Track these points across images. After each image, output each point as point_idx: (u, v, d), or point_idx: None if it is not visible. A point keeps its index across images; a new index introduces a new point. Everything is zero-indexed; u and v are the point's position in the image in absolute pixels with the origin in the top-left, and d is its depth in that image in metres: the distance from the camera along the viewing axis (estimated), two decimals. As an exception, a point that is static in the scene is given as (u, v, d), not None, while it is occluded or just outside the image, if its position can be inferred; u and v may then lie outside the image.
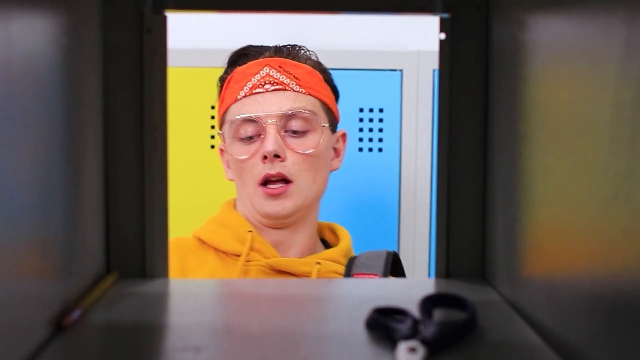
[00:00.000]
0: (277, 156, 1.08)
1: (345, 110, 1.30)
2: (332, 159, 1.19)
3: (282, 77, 1.11)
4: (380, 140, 1.72)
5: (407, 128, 1.71)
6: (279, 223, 1.14)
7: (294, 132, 1.11)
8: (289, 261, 1.12)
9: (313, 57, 1.18)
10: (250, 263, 1.10)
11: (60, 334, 0.50)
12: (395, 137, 1.72)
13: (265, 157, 1.08)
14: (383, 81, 1.72)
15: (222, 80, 1.19)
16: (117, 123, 0.64)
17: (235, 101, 1.12)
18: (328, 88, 1.17)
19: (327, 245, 1.21)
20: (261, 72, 1.12)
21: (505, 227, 0.60)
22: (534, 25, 0.52)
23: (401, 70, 1.71)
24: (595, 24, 0.41)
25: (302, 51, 1.16)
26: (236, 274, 1.08)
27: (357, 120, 1.70)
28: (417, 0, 0.65)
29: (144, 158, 0.65)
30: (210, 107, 1.70)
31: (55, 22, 0.51)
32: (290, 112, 1.09)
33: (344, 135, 1.23)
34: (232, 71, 1.16)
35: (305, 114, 1.10)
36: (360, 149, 1.70)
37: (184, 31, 1.58)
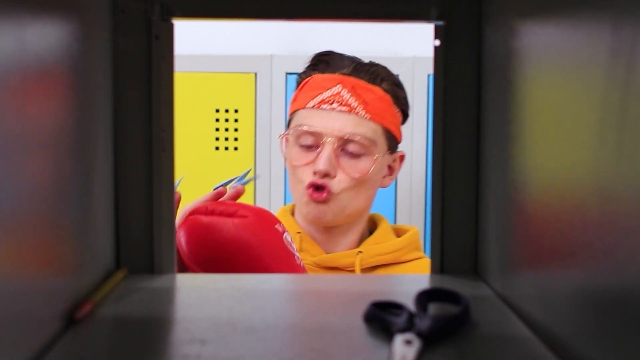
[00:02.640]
0: (327, 175, 1.10)
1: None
2: (384, 177, 1.20)
3: (351, 100, 1.11)
4: (378, 142, 1.72)
5: (403, 130, 1.71)
6: (322, 226, 1.15)
7: (350, 152, 1.11)
8: (333, 256, 1.14)
9: (390, 78, 1.17)
10: (301, 260, 1.11)
11: (72, 327, 0.50)
12: (391, 138, 1.72)
13: (315, 172, 1.10)
14: (380, 85, 1.71)
15: (300, 78, 1.19)
16: (126, 125, 0.64)
17: (304, 108, 1.14)
18: (395, 112, 1.17)
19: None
20: (333, 88, 1.12)
21: (497, 225, 0.60)
22: (525, 32, 0.52)
23: (397, 75, 1.71)
24: (583, 31, 0.41)
25: (381, 72, 1.16)
26: None
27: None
28: (413, 9, 0.65)
29: (152, 159, 0.65)
30: (214, 111, 1.70)
31: (68, 29, 0.51)
32: (348, 136, 1.10)
33: (402, 157, 1.23)
34: (310, 75, 1.16)
35: (363, 142, 1.11)
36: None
37: (190, 38, 1.58)
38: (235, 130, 1.72)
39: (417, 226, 1.72)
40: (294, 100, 1.18)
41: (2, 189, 0.38)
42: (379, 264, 1.15)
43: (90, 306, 0.52)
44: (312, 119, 1.12)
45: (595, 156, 0.39)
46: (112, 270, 0.64)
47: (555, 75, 0.46)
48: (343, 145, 1.11)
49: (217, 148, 1.72)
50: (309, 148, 1.12)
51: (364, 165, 1.12)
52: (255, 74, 1.82)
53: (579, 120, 0.41)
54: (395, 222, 1.70)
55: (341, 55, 1.17)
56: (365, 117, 1.11)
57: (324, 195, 1.10)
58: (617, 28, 0.36)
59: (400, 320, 0.48)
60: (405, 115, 1.21)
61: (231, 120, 1.70)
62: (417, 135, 1.71)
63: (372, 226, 1.24)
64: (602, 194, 0.38)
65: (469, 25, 0.65)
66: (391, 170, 1.21)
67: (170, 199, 0.66)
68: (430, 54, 0.66)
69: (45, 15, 0.46)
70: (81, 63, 0.54)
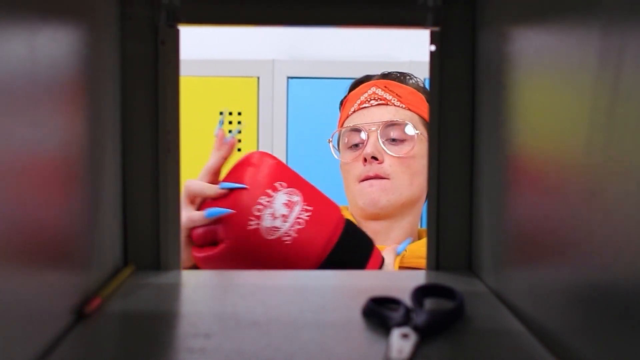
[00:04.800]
0: (375, 158, 1.13)
1: (344, 115, 1.30)
2: None
3: (386, 95, 1.17)
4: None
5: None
6: (377, 214, 1.16)
7: (393, 140, 1.15)
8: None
9: (420, 83, 1.23)
10: None
11: (81, 322, 0.50)
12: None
13: (365, 160, 1.14)
14: (378, 89, 1.71)
15: (341, 103, 1.27)
16: (133, 127, 0.64)
17: (347, 117, 1.20)
18: (428, 106, 1.18)
19: None
20: (369, 91, 1.19)
21: (491, 223, 0.60)
22: (517, 38, 0.52)
23: (394, 79, 1.71)
24: (573, 36, 0.41)
25: (409, 77, 1.22)
26: None
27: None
28: (410, 15, 0.65)
29: (158, 160, 0.65)
30: (218, 113, 1.70)
31: (77, 35, 0.51)
32: (389, 122, 1.14)
33: None
34: (347, 95, 1.25)
35: (403, 123, 1.15)
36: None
37: (195, 43, 1.58)
38: (239, 132, 1.72)
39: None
40: (340, 120, 1.25)
41: (16, 190, 0.38)
42: (418, 266, 1.12)
43: (99, 301, 0.53)
44: (356, 119, 1.18)
45: (584, 157, 0.39)
46: (120, 267, 0.64)
47: (546, 79, 0.46)
48: (385, 133, 1.14)
49: (220, 149, 1.71)
50: (356, 147, 1.17)
51: (407, 147, 1.15)
52: (258, 78, 1.82)
53: (568, 122, 0.42)
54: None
55: (370, 75, 1.25)
56: (402, 107, 1.17)
57: (379, 180, 1.13)
58: (605, 33, 0.36)
59: (398, 314, 0.48)
60: None
61: (234, 123, 1.70)
62: (413, 137, 1.71)
63: (421, 236, 1.25)
64: (590, 193, 0.38)
65: (463, 31, 0.65)
66: None
67: (176, 199, 0.66)
68: (426, 58, 0.66)
69: (55, 21, 0.46)
70: (90, 67, 0.54)
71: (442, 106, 0.65)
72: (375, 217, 1.16)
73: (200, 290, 0.60)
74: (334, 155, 1.23)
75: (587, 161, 0.38)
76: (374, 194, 1.14)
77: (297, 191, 0.78)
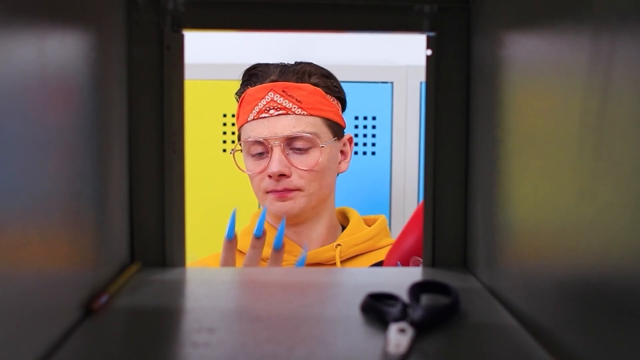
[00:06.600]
0: (282, 175, 1.09)
1: (342, 118, 1.30)
2: (339, 162, 1.19)
3: (285, 102, 1.10)
4: (374, 144, 1.72)
5: (397, 134, 1.71)
6: (292, 220, 1.14)
7: (298, 149, 1.10)
8: (314, 252, 1.12)
9: (317, 71, 1.15)
10: (283, 264, 1.09)
11: (89, 317, 0.50)
12: (386, 142, 1.72)
13: (269, 176, 1.09)
14: (375, 92, 1.72)
15: (237, 96, 1.18)
16: (140, 129, 0.64)
17: (246, 122, 1.13)
18: (330, 102, 1.14)
19: (344, 228, 1.21)
20: (266, 97, 1.11)
21: (485, 222, 0.60)
22: (511, 42, 0.52)
23: (392, 83, 1.71)
24: (564, 41, 0.41)
25: (307, 68, 1.14)
26: None
27: (353, 127, 1.70)
28: (407, 21, 0.65)
29: (163, 160, 0.65)
30: (222, 115, 1.70)
31: (85, 39, 0.51)
32: (291, 135, 1.09)
33: (350, 139, 1.21)
34: (244, 91, 1.15)
35: (306, 137, 1.10)
36: (356, 153, 1.70)
37: (200, 47, 1.58)
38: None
39: (411, 223, 1.72)
40: (237, 117, 1.17)
41: (27, 189, 0.38)
42: (356, 253, 1.14)
43: (106, 297, 0.53)
44: (256, 129, 1.10)
45: (576, 158, 0.39)
46: (126, 264, 0.64)
47: (539, 83, 0.46)
48: (289, 144, 1.10)
49: (224, 150, 1.72)
50: (260, 155, 1.11)
51: (313, 157, 1.11)
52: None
53: (560, 124, 0.42)
54: (390, 220, 1.70)
55: (267, 65, 1.15)
56: (303, 114, 1.10)
57: (287, 193, 1.10)
58: (596, 38, 0.36)
59: (395, 310, 0.48)
60: (342, 101, 1.19)
61: (230, 123, 1.70)
62: (410, 139, 1.71)
63: (342, 219, 1.23)
64: (581, 192, 0.38)
65: (458, 36, 0.65)
66: (344, 154, 1.20)
67: (181, 198, 0.66)
68: (422, 62, 0.66)
69: (64, 26, 0.46)
70: (98, 71, 0.54)
71: (438, 108, 0.65)
72: (291, 222, 1.15)
73: (204, 286, 0.60)
74: (236, 165, 1.16)
75: (578, 162, 0.39)
76: (286, 207, 1.11)
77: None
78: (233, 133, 1.70)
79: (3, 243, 0.35)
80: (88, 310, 0.50)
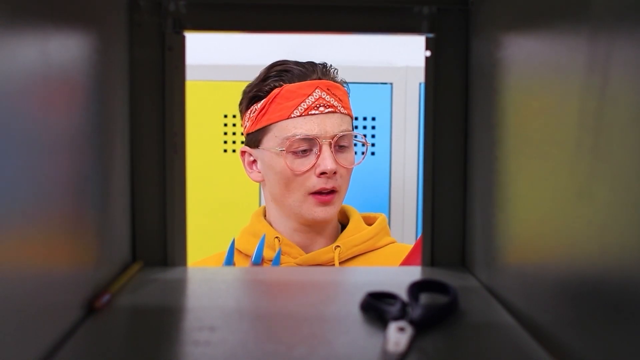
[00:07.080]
0: (335, 173, 1.08)
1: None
2: None
3: (332, 100, 1.09)
4: (373, 145, 1.72)
5: (396, 134, 1.71)
6: (321, 226, 1.13)
7: (340, 147, 1.10)
8: (313, 255, 1.11)
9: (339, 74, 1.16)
10: (282, 265, 1.08)
11: (92, 315, 0.50)
12: (386, 142, 1.72)
13: (322, 173, 1.07)
14: (375, 93, 1.72)
15: (260, 92, 1.12)
16: (141, 129, 0.64)
17: (288, 118, 1.08)
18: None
19: (344, 227, 1.19)
20: (314, 93, 1.09)
21: (483, 221, 0.60)
22: (509, 44, 0.52)
23: (391, 84, 1.71)
24: (562, 42, 0.41)
25: (333, 69, 1.14)
26: None
27: (352, 127, 1.70)
28: (406, 22, 0.65)
29: (165, 160, 0.65)
30: (222, 116, 1.70)
31: (87, 41, 0.51)
32: (341, 134, 1.09)
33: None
34: (276, 86, 1.10)
35: (350, 135, 1.11)
36: (355, 153, 1.70)
37: (201, 49, 1.58)
38: (242, 134, 1.73)
39: (409, 223, 1.72)
40: (265, 113, 1.10)
41: (30, 188, 0.38)
42: (355, 254, 1.13)
43: (108, 296, 0.53)
44: (304, 126, 1.07)
45: (574, 158, 0.39)
46: (128, 263, 0.64)
47: (537, 84, 0.46)
48: (336, 142, 1.09)
49: (225, 150, 1.72)
50: (304, 153, 1.08)
51: (351, 155, 1.12)
52: (260, 82, 1.81)
53: (558, 125, 0.42)
54: (389, 220, 1.70)
55: (298, 63, 1.13)
56: (344, 113, 1.11)
57: (331, 197, 1.09)
58: (593, 40, 0.36)
59: (394, 309, 0.48)
60: None
61: (238, 125, 1.70)
62: (409, 139, 1.71)
63: (342, 217, 1.21)
64: (579, 192, 0.38)
65: (457, 37, 0.65)
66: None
67: (182, 198, 0.66)
68: (421, 63, 0.66)
69: (67, 28, 0.46)
70: (100, 72, 0.54)
71: (437, 108, 0.66)
72: (317, 227, 1.13)
73: (205, 285, 0.60)
74: (288, 167, 1.08)
75: (576, 162, 0.39)
76: (327, 212, 1.09)
77: None
78: (234, 133, 1.70)
79: (6, 242, 0.35)
80: (90, 309, 0.51)
